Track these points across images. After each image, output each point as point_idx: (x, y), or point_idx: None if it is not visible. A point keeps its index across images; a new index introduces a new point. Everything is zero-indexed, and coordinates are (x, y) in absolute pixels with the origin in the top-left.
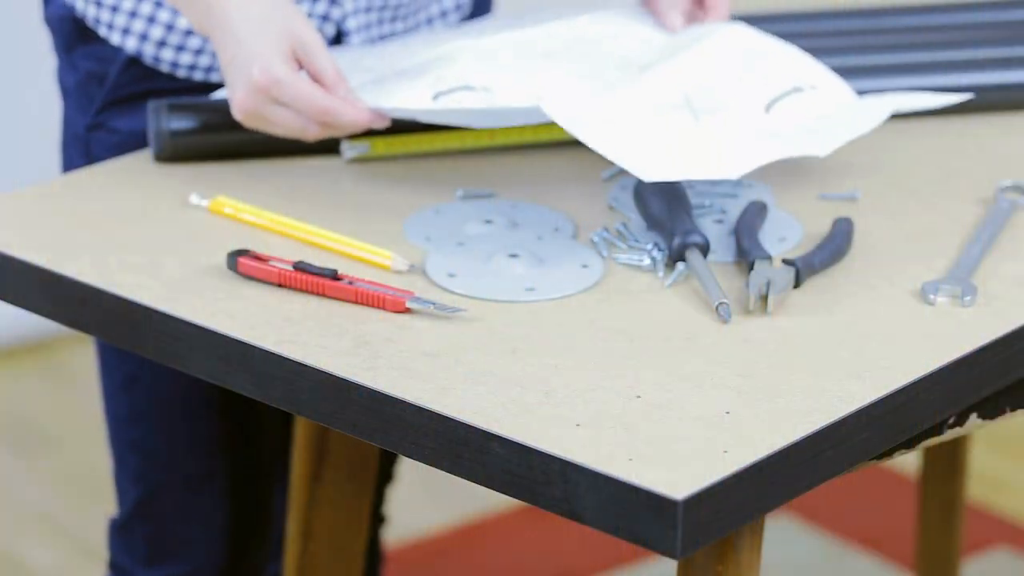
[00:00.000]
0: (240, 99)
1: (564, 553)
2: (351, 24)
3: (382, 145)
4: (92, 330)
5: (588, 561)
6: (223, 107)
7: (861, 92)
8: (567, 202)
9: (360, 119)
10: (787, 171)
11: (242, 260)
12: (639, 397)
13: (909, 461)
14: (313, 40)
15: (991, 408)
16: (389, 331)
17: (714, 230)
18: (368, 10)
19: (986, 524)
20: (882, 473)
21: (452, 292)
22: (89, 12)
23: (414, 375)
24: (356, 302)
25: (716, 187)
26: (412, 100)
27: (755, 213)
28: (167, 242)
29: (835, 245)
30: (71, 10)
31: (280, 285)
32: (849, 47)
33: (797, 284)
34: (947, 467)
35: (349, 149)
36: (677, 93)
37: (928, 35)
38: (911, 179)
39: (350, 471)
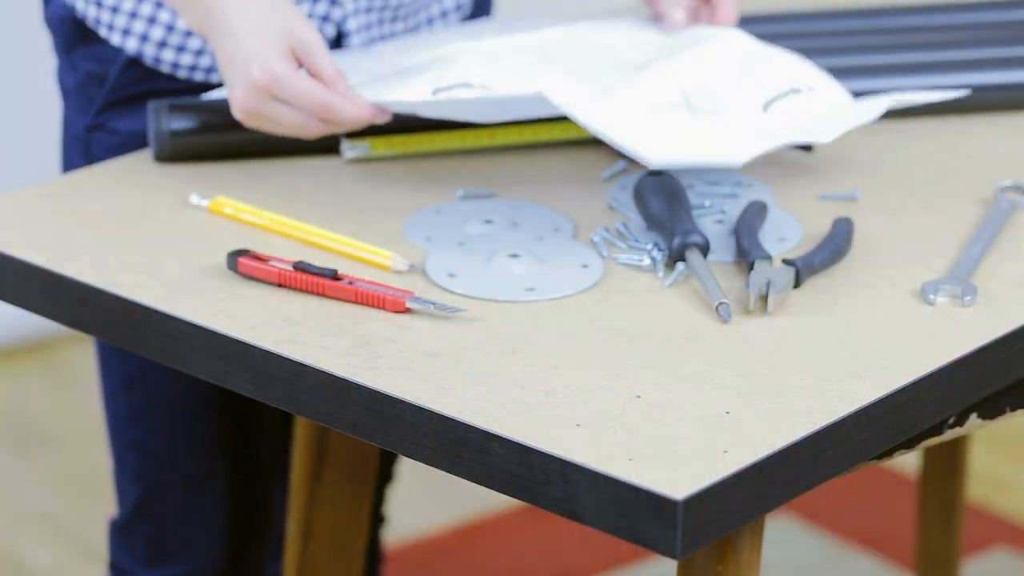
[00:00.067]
0: (240, 98)
1: (564, 553)
2: (351, 24)
3: (382, 145)
4: (92, 330)
5: (588, 561)
6: (223, 107)
7: (861, 92)
8: (567, 202)
9: (361, 114)
10: (787, 171)
11: (242, 260)
12: (639, 397)
13: (909, 461)
14: (312, 39)
15: (991, 408)
16: (389, 331)
17: (714, 230)
18: (368, 10)
19: (986, 524)
20: (882, 473)
21: (452, 292)
22: (90, 13)
23: (414, 375)
24: (356, 302)
25: (716, 187)
26: (412, 94)
27: (755, 213)
28: (167, 242)
29: (835, 245)
30: (71, 11)
31: (280, 285)
32: (849, 47)
33: (797, 284)
34: (947, 467)
35: (349, 149)
36: (676, 92)
37: (928, 35)
38: (911, 179)
39: (350, 471)
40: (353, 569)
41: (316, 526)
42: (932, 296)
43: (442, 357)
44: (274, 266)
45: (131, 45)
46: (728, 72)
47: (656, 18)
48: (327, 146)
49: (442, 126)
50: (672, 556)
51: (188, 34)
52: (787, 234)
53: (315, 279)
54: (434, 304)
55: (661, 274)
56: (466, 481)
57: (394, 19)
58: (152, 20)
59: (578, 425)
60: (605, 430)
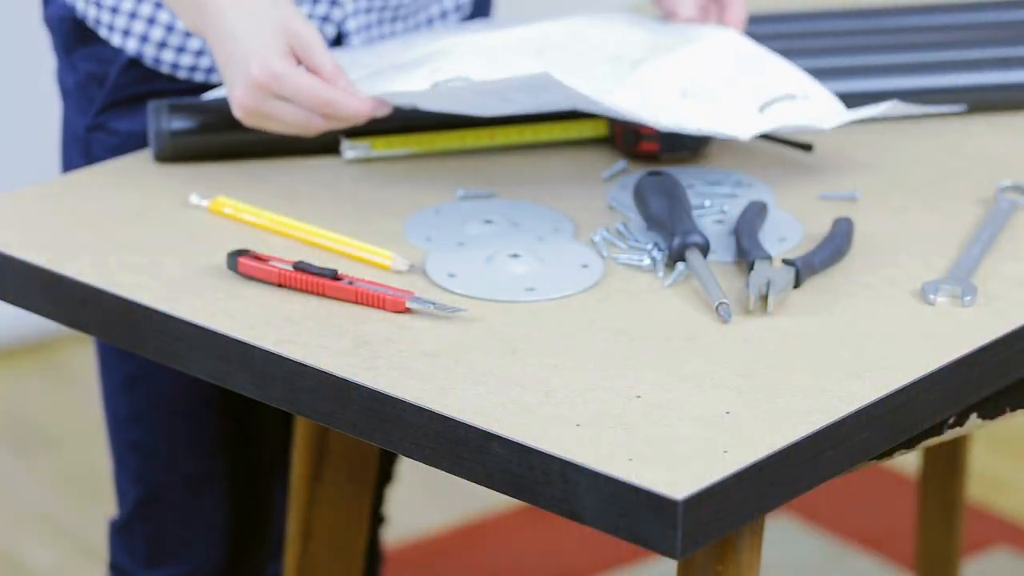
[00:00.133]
0: (240, 97)
1: (564, 553)
2: (351, 25)
3: (382, 145)
4: (92, 330)
5: (588, 561)
6: (223, 107)
7: (861, 92)
8: (567, 202)
9: (362, 108)
10: (787, 171)
11: (242, 260)
12: (639, 397)
13: (909, 461)
14: (310, 35)
15: (991, 408)
16: (389, 331)
17: (714, 230)
18: (368, 11)
19: (986, 524)
20: (882, 473)
21: (452, 292)
22: (89, 13)
23: (414, 375)
24: (356, 302)
25: (716, 187)
26: (412, 86)
27: (755, 213)
28: (167, 242)
29: (835, 245)
30: (71, 11)
31: (280, 285)
32: (849, 47)
33: (797, 284)
34: (947, 467)
35: (349, 149)
36: (673, 87)
37: (928, 35)
38: (911, 179)
39: (350, 471)
40: (353, 569)
41: (316, 526)
42: (932, 296)
43: (442, 357)
44: (274, 266)
45: (131, 45)
46: (724, 71)
47: (666, 16)
48: (327, 146)
49: (442, 126)
50: (672, 556)
51: (188, 35)
52: (787, 234)
53: (315, 279)
54: (434, 304)
55: (661, 274)
56: (466, 481)
57: (394, 19)
58: (152, 20)
59: (578, 425)
60: (605, 430)
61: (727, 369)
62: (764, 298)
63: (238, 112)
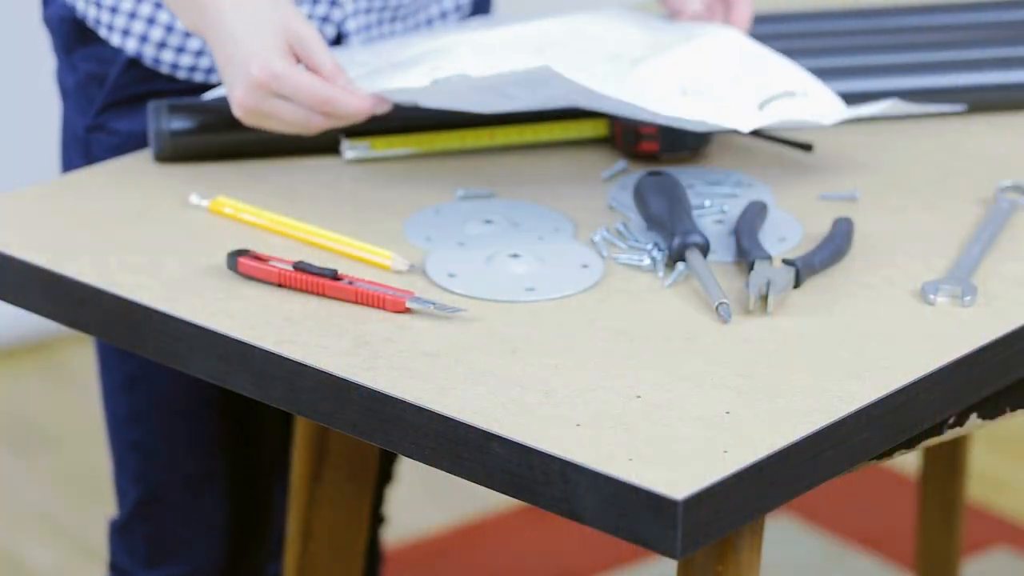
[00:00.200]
0: (240, 97)
1: (564, 553)
2: (351, 25)
3: (382, 145)
4: (92, 330)
5: (588, 561)
6: (223, 107)
7: (861, 92)
8: (567, 202)
9: (362, 106)
10: (787, 171)
11: (242, 260)
12: (639, 397)
13: (909, 461)
14: (309, 34)
15: (991, 408)
16: (389, 331)
17: (714, 230)
18: (368, 11)
19: (986, 524)
20: (882, 473)
21: (452, 292)
22: (89, 13)
23: (414, 375)
24: (356, 302)
25: (716, 187)
26: (411, 82)
27: (755, 213)
28: (167, 242)
29: (835, 245)
30: (71, 11)
31: (280, 285)
32: (849, 47)
33: (797, 284)
34: (947, 467)
35: (349, 149)
36: (673, 85)
37: (928, 35)
38: (911, 179)
39: (350, 471)
40: (353, 569)
41: (316, 526)
42: (932, 296)
43: (442, 357)
44: (274, 266)
45: (131, 46)
46: (724, 68)
47: (672, 14)
48: (327, 146)
49: (442, 126)
50: (672, 556)
51: (187, 35)
52: (787, 234)
53: (315, 279)
54: (434, 304)
55: (661, 274)
56: (466, 481)
57: (393, 19)
58: (151, 21)
59: (578, 425)
60: (605, 430)
61: (727, 369)
62: (764, 298)
63: (238, 112)
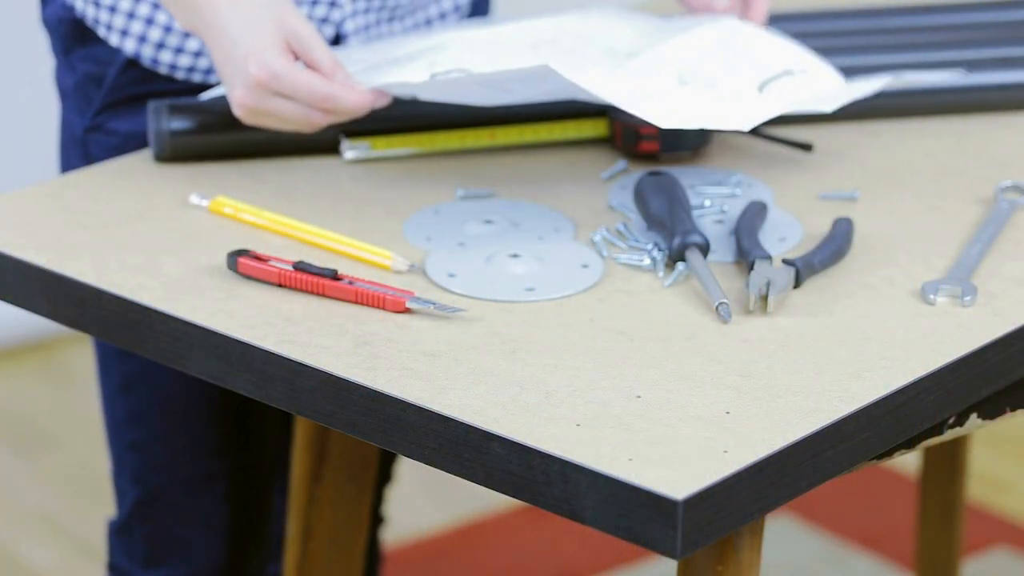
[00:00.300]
0: (239, 96)
1: (564, 553)
2: (350, 26)
3: (382, 145)
4: (92, 330)
5: (588, 561)
6: (223, 107)
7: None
8: (567, 202)
9: (362, 101)
10: (787, 171)
11: (242, 260)
12: (639, 397)
13: (909, 461)
14: (307, 31)
15: (991, 408)
16: (389, 331)
17: (714, 230)
18: (367, 12)
19: (986, 524)
20: (882, 473)
21: (452, 292)
22: (88, 12)
23: (414, 375)
24: (356, 302)
25: (716, 187)
26: (409, 77)
27: (755, 213)
28: (167, 242)
29: (835, 245)
30: (70, 11)
31: (280, 285)
32: (849, 47)
33: (797, 284)
34: (947, 467)
35: (349, 149)
36: (670, 74)
37: (928, 35)
38: (911, 179)
39: (350, 471)
40: (353, 569)
41: (316, 526)
42: (932, 296)
43: (442, 357)
44: (274, 266)
45: (129, 46)
46: (720, 54)
47: (694, 9)
48: (327, 146)
49: (442, 126)
50: (672, 556)
51: (186, 35)
52: (787, 234)
53: (315, 279)
54: (434, 304)
55: (661, 274)
56: (466, 481)
57: (392, 20)
58: (150, 21)
59: (578, 425)
60: (605, 430)
61: (727, 369)
62: (764, 298)
63: (238, 111)
